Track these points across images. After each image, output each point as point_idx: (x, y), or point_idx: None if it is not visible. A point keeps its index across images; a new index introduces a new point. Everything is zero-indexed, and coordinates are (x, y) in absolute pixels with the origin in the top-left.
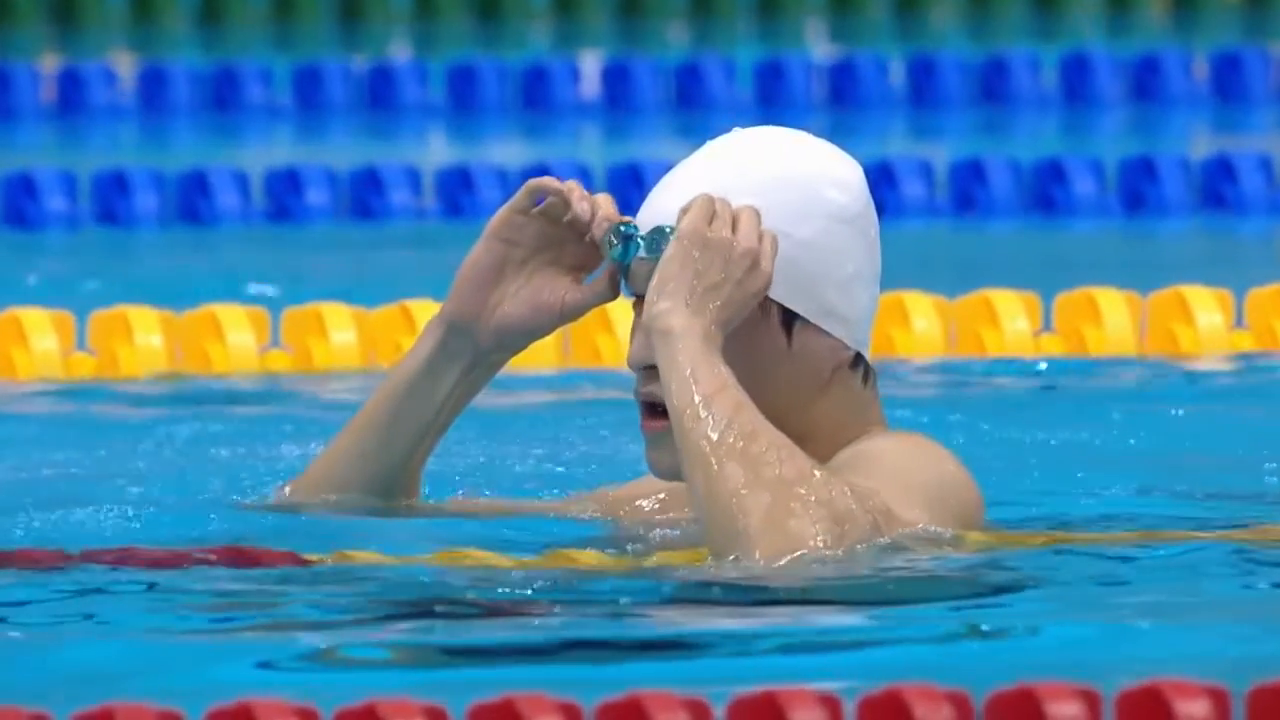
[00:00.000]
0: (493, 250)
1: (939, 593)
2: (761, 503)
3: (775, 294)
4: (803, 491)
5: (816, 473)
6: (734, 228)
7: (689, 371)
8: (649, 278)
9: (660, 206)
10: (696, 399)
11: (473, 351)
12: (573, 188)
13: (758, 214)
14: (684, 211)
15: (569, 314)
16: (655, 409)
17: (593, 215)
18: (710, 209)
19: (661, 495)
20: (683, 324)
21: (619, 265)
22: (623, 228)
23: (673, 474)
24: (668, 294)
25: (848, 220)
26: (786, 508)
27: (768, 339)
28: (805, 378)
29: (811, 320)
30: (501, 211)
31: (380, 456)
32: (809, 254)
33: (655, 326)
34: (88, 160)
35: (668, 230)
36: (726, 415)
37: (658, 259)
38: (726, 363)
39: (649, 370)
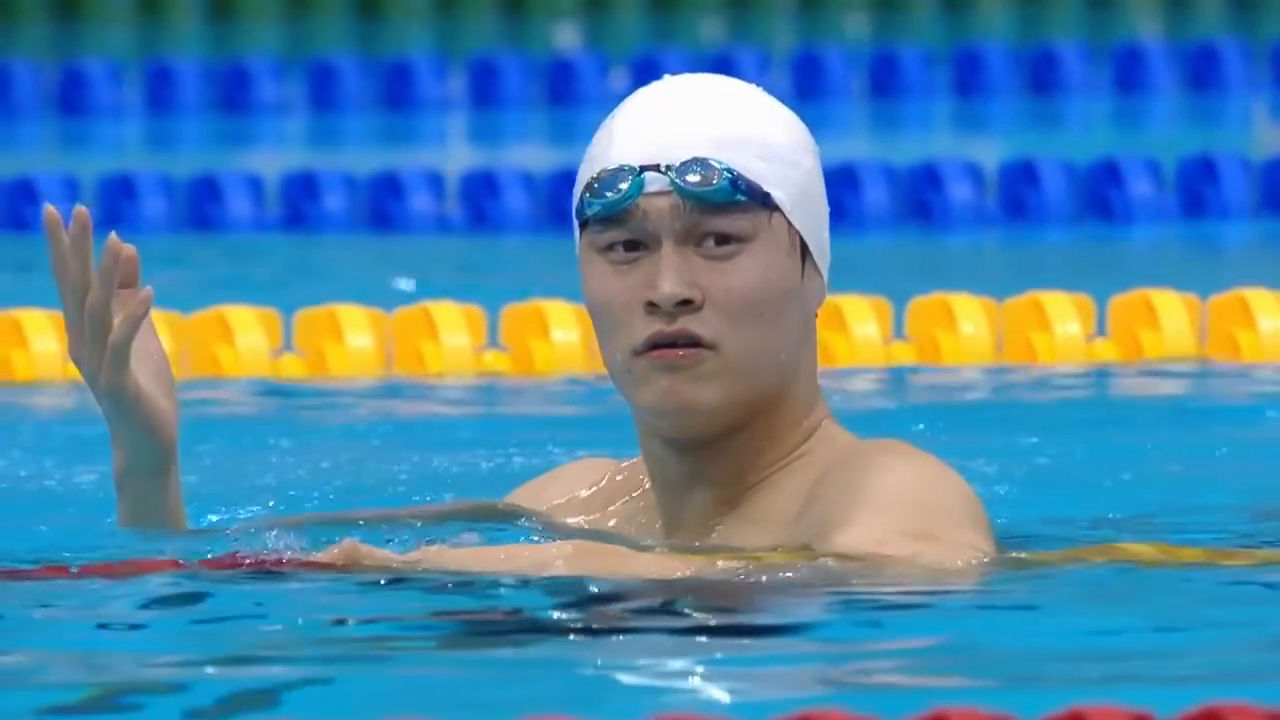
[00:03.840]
0: (120, 393)
1: (983, 614)
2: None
3: (799, 224)
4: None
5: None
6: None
7: (655, 570)
8: (670, 213)
9: (692, 141)
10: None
11: (169, 450)
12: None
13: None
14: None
15: (158, 350)
16: (678, 342)
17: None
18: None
19: (607, 490)
20: (572, 550)
21: (619, 208)
22: (634, 164)
23: (697, 408)
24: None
25: (820, 161)
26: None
27: (794, 270)
28: (803, 319)
29: (813, 255)
30: (89, 378)
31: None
32: (815, 186)
33: (556, 565)
34: (92, 163)
35: (716, 163)
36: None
37: (706, 191)
38: (771, 290)
39: (683, 304)
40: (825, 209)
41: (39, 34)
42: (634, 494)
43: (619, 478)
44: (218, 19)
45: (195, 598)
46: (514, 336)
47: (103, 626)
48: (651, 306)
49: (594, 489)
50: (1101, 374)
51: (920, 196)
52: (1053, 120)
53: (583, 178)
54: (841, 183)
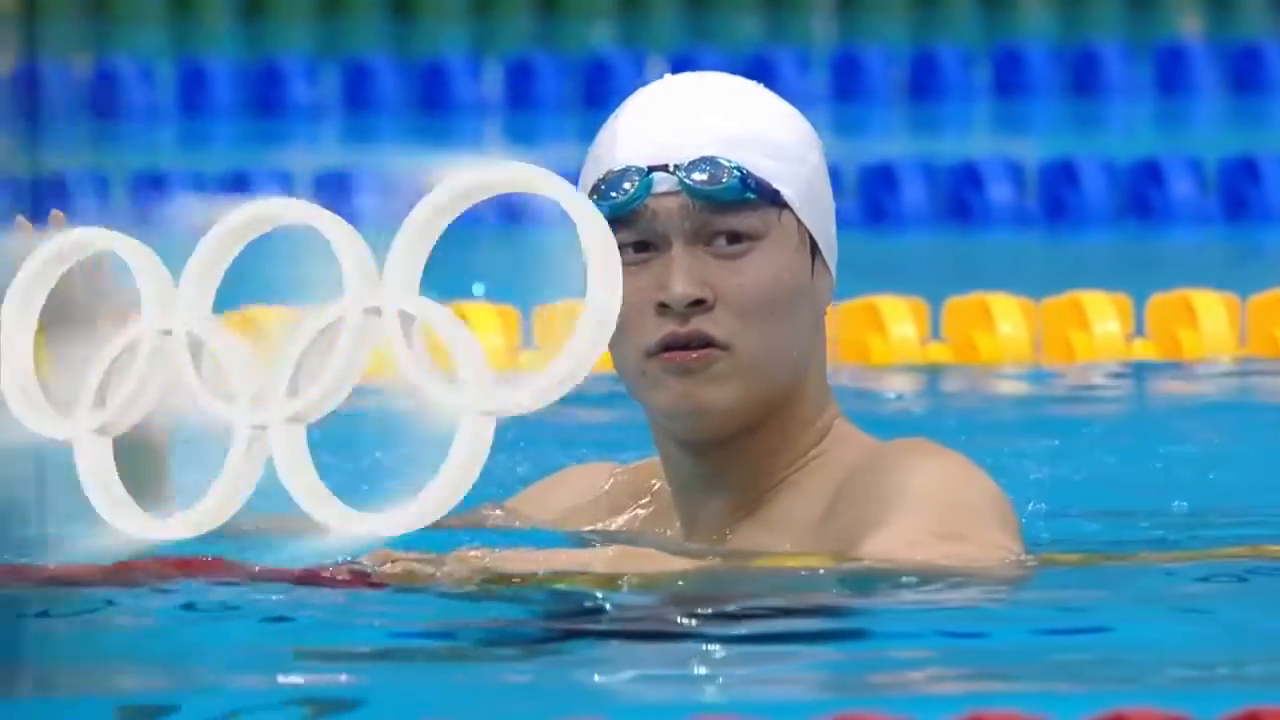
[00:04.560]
0: None
1: (1017, 615)
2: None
3: (808, 220)
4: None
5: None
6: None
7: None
8: (680, 212)
9: (699, 139)
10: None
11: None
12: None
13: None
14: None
15: None
16: (691, 343)
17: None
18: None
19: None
20: (611, 554)
21: (627, 209)
22: (640, 164)
23: (712, 409)
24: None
25: (824, 157)
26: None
27: (804, 268)
28: (813, 317)
29: (823, 252)
30: None
31: None
32: (822, 182)
33: (610, 567)
34: (123, 163)
35: (725, 161)
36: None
37: (716, 190)
38: (783, 288)
39: (695, 304)
40: (832, 205)
41: (70, 33)
42: (642, 498)
43: (624, 481)
44: (250, 18)
45: (220, 606)
46: (549, 336)
47: (131, 633)
48: (663, 308)
49: (600, 493)
50: (1140, 374)
51: (960, 196)
52: (1093, 120)
53: (587, 179)
54: (880, 183)
